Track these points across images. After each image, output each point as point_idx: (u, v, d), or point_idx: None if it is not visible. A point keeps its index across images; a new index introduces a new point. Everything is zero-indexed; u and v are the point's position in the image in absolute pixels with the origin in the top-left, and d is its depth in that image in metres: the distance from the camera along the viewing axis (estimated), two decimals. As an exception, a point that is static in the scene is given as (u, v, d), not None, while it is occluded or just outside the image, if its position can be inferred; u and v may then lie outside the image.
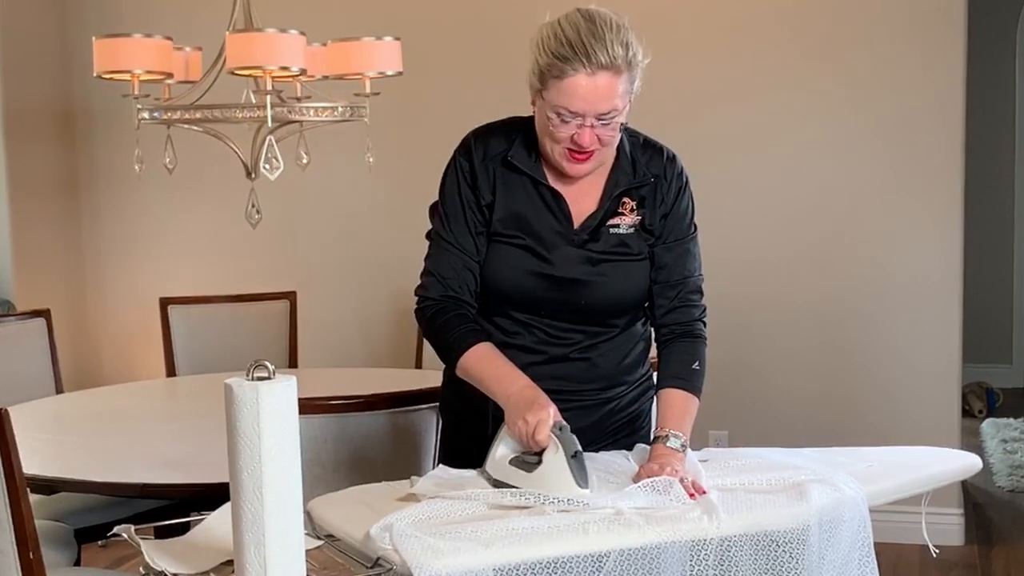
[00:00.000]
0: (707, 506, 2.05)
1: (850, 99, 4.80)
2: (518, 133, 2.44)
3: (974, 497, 5.36)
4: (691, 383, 2.41)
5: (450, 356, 2.40)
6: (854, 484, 2.16)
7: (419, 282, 2.47)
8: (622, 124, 2.33)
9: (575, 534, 1.94)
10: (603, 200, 2.42)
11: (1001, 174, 7.65)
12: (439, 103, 5.14)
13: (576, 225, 2.41)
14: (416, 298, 2.47)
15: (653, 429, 2.40)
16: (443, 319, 2.41)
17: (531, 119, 2.42)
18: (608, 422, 2.50)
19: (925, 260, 4.76)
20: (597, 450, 2.38)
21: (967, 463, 2.45)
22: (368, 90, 3.74)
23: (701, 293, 2.51)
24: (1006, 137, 7.66)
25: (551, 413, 2.19)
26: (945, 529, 4.65)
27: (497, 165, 2.42)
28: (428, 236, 2.48)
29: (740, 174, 4.92)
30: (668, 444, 2.28)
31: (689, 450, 2.30)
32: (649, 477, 2.14)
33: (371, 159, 3.81)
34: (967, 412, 5.73)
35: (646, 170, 2.43)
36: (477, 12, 5.13)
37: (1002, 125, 7.63)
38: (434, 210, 2.49)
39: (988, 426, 6.69)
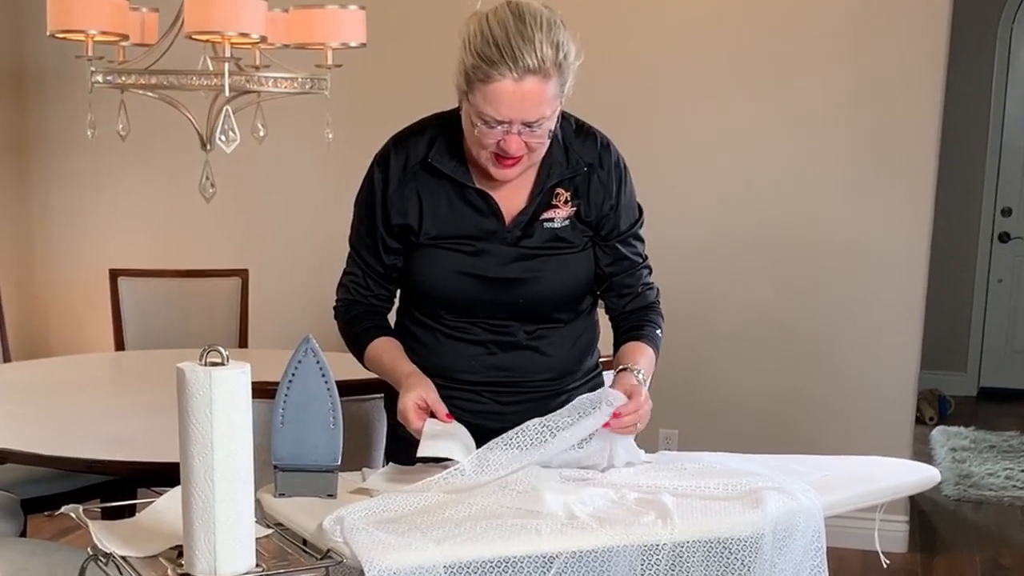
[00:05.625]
0: (661, 510, 2.02)
1: (823, 95, 4.71)
2: (440, 133, 2.35)
3: (919, 505, 5.38)
4: (653, 340, 2.41)
5: (357, 352, 2.44)
6: (811, 494, 2.14)
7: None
8: (551, 129, 2.24)
9: (528, 535, 1.91)
10: (534, 193, 2.35)
11: (969, 184, 7.63)
12: (404, 78, 5.05)
13: (508, 222, 2.34)
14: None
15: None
16: (351, 315, 2.46)
17: (457, 113, 2.33)
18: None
19: (890, 264, 4.70)
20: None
21: (925, 476, 2.44)
22: (330, 61, 3.62)
23: (651, 270, 2.51)
24: (977, 150, 7.63)
25: (414, 396, 2.23)
26: (890, 536, 4.66)
27: (420, 171, 2.35)
28: (349, 239, 2.49)
29: (698, 166, 4.83)
30: (632, 374, 2.29)
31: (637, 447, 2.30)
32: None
33: (330, 135, 3.73)
34: (919, 419, 5.74)
35: (579, 158, 2.36)
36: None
37: (973, 136, 7.60)
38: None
39: (938, 434, 6.71)
